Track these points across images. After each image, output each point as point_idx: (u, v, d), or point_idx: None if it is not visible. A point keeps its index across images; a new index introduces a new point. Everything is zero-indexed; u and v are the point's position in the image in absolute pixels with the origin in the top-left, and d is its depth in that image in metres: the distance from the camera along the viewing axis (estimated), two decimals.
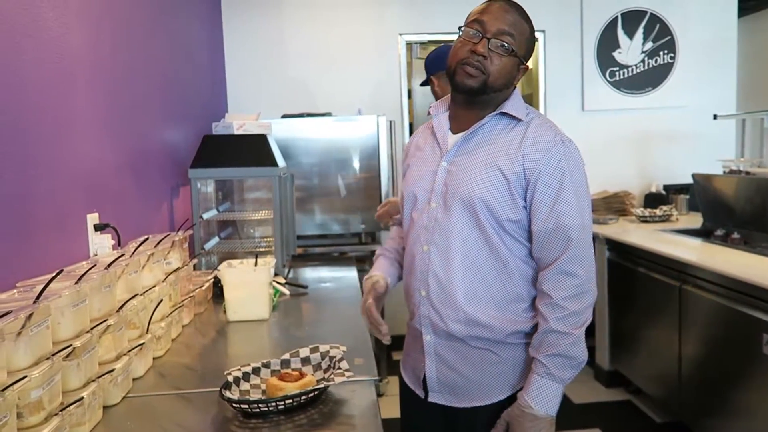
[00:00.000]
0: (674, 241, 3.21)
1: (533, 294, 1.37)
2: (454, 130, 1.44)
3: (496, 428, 1.38)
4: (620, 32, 4.33)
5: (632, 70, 4.36)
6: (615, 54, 4.34)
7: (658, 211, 3.84)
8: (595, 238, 3.54)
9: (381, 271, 1.59)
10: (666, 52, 4.36)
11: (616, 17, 4.31)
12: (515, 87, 1.43)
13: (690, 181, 3.65)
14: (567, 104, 4.33)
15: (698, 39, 4.37)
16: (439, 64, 2.45)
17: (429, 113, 1.51)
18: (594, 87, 4.33)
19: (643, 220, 3.82)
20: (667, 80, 4.37)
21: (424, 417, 1.51)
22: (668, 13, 4.32)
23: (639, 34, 4.34)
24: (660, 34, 4.34)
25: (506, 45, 1.33)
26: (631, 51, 4.35)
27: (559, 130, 1.37)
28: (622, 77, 4.35)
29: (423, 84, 2.61)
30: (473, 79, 1.34)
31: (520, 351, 1.38)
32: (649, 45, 4.35)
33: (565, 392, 3.45)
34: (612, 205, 4.09)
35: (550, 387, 1.31)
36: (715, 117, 3.96)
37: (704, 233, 3.33)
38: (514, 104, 1.39)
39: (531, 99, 4.50)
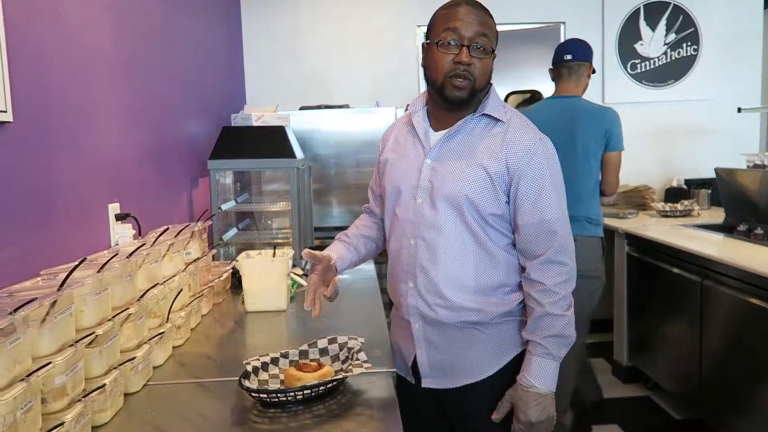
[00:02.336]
0: (695, 236, 3.16)
1: (516, 279, 1.46)
2: (435, 127, 1.49)
3: (498, 410, 1.45)
4: (642, 24, 4.27)
5: (654, 63, 4.29)
6: (637, 46, 4.27)
7: (679, 206, 3.79)
8: (615, 232, 3.51)
9: (334, 252, 1.61)
10: (689, 44, 4.28)
11: (639, 8, 4.24)
12: (491, 84, 1.49)
13: (712, 175, 3.59)
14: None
15: (722, 31, 4.28)
16: (553, 58, 2.90)
17: (407, 109, 1.54)
18: (615, 79, 4.28)
19: (664, 214, 3.77)
20: (690, 73, 4.30)
21: (417, 402, 1.57)
22: (692, 4, 4.25)
23: (661, 25, 4.27)
24: (683, 26, 4.27)
25: (485, 47, 1.38)
26: (653, 43, 4.28)
27: (536, 129, 1.45)
28: (643, 70, 4.29)
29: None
30: (462, 91, 1.39)
31: (504, 327, 1.46)
32: (671, 37, 4.28)
33: None
34: (632, 200, 4.04)
35: (550, 366, 1.40)
36: (739, 110, 3.89)
37: (726, 228, 3.28)
38: (494, 104, 1.45)
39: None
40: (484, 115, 1.44)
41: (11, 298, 1.11)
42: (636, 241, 3.37)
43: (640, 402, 3.34)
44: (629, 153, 4.27)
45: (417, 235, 1.46)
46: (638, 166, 4.32)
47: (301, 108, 3.66)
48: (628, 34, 4.26)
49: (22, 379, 0.94)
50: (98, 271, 1.26)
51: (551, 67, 2.91)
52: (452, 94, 1.39)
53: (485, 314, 1.44)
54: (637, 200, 4.03)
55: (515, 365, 1.45)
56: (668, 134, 4.34)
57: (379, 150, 1.64)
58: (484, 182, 1.39)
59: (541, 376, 1.39)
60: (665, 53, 4.29)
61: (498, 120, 1.43)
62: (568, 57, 2.84)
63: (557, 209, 1.40)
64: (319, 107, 3.63)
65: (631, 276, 3.45)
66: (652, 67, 4.29)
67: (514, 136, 1.40)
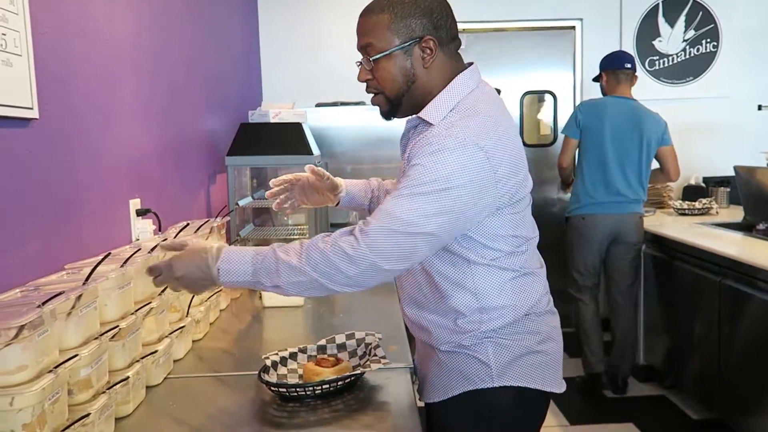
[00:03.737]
0: (714, 234, 3.13)
1: (473, 306, 1.26)
2: None
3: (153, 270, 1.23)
4: (661, 20, 4.23)
5: (673, 59, 4.25)
6: (655, 43, 4.24)
7: (697, 204, 3.75)
8: None
9: (349, 185, 1.59)
10: (708, 40, 4.23)
11: (657, 5, 4.20)
12: (451, 79, 1.27)
13: (731, 173, 3.55)
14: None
15: (743, 27, 4.23)
16: (608, 63, 3.33)
17: None
18: None
19: (682, 212, 3.74)
20: (709, 70, 4.25)
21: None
22: (712, 0, 4.20)
23: (681, 22, 4.23)
24: (703, 22, 4.22)
25: (369, 57, 1.27)
26: (672, 40, 4.24)
27: (466, 132, 1.16)
28: (662, 67, 4.25)
29: (595, 79, 3.44)
30: (380, 107, 1.32)
31: (455, 358, 1.30)
32: (690, 33, 4.23)
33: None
34: (649, 198, 4.00)
35: (247, 268, 1.17)
36: (759, 108, 3.84)
37: (745, 227, 3.24)
38: (434, 106, 1.25)
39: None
40: (418, 117, 1.28)
41: (38, 291, 1.14)
42: (653, 239, 3.34)
43: (657, 401, 3.32)
44: None
45: None
46: (656, 163, 4.27)
47: (318, 105, 3.67)
48: (647, 30, 4.22)
49: (50, 371, 0.97)
50: (121, 266, 1.28)
51: (607, 70, 3.32)
52: (379, 112, 1.35)
53: (436, 338, 1.31)
54: (655, 198, 4.00)
55: (461, 404, 1.30)
56: (687, 132, 4.29)
57: None
58: None
59: (232, 260, 1.17)
60: (684, 50, 4.24)
61: (430, 124, 1.24)
62: (629, 66, 3.29)
63: (398, 206, 1.14)
64: (335, 104, 3.65)
65: (648, 274, 3.43)
66: (670, 63, 4.25)
67: (422, 140, 1.19)
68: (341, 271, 1.13)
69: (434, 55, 1.25)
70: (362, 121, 3.59)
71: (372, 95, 1.33)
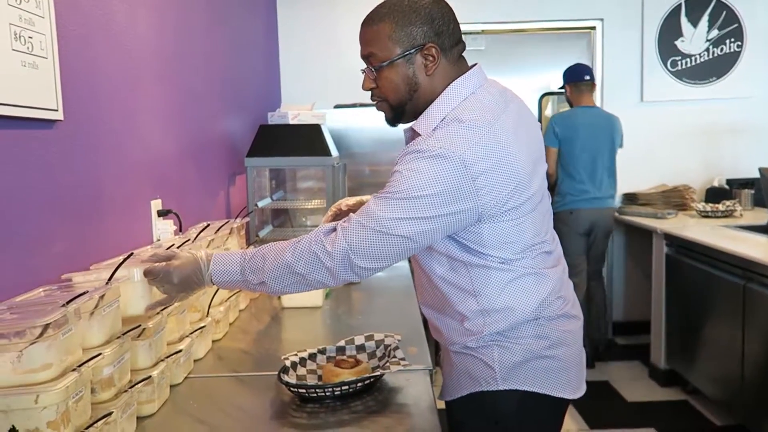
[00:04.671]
0: (738, 237, 3.08)
1: (474, 308, 1.26)
2: None
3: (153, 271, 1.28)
4: (683, 20, 4.17)
5: (695, 60, 4.19)
6: (677, 43, 4.18)
7: (720, 206, 3.69)
8: (653, 232, 3.45)
9: None
10: (732, 40, 4.17)
11: (680, 4, 4.15)
12: (446, 86, 1.26)
13: (756, 175, 3.49)
14: (626, 95, 4.19)
15: (767, 26, 4.16)
16: (570, 77, 3.70)
17: None
18: (654, 77, 4.19)
19: (704, 215, 3.68)
20: (733, 70, 4.18)
21: None
22: None
23: (704, 21, 4.16)
24: (726, 22, 4.15)
25: (372, 67, 1.28)
26: (694, 39, 4.18)
27: (443, 142, 1.16)
28: (684, 67, 4.19)
29: (561, 88, 3.82)
30: (385, 113, 1.34)
31: (464, 359, 1.31)
32: (714, 33, 4.17)
33: (619, 390, 3.41)
34: (671, 200, 3.96)
35: (233, 265, 1.25)
36: None
37: None
38: (426, 116, 1.26)
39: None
40: (412, 129, 1.31)
41: (61, 290, 1.16)
42: (675, 241, 3.30)
43: (679, 406, 3.27)
44: (668, 152, 4.21)
45: None
46: (678, 165, 4.22)
47: (336, 106, 3.68)
48: (669, 30, 4.16)
49: (74, 369, 0.98)
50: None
51: (569, 83, 3.70)
52: (385, 119, 1.36)
53: (447, 339, 1.34)
54: (677, 200, 3.95)
55: (469, 404, 1.31)
56: (709, 133, 4.23)
57: None
58: None
59: (223, 262, 1.25)
60: (707, 50, 4.18)
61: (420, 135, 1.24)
62: (587, 77, 3.69)
63: (383, 213, 1.16)
64: (354, 105, 3.65)
65: (669, 277, 3.38)
66: (693, 64, 4.19)
67: (407, 147, 1.21)
68: (321, 262, 1.18)
69: (437, 62, 1.25)
70: (381, 123, 3.54)
71: (376, 103, 1.34)
